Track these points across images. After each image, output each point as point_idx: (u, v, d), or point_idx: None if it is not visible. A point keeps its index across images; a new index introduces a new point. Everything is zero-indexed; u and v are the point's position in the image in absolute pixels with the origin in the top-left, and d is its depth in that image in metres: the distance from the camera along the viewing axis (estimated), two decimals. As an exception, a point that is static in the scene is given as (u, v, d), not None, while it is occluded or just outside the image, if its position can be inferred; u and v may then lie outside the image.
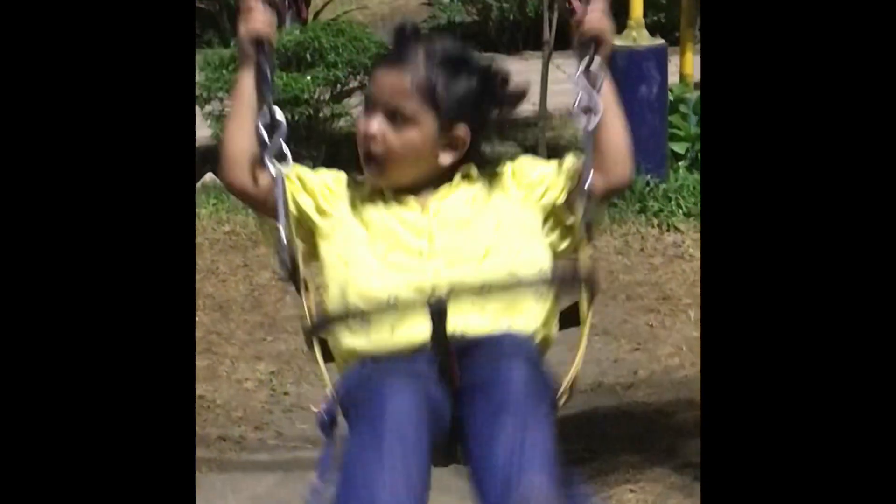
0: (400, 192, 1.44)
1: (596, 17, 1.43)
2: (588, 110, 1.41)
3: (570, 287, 1.45)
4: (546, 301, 1.42)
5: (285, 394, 2.88)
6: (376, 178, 1.42)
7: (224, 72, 4.87)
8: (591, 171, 1.40)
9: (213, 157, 5.09)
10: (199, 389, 2.77)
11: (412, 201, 1.42)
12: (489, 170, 1.49)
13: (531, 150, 4.83)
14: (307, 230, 1.45)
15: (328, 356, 1.42)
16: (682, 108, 4.52)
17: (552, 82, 4.47)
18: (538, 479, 1.18)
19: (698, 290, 3.27)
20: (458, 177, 1.45)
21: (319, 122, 4.71)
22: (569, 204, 1.44)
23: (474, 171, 1.46)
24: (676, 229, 3.86)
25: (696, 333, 3.10)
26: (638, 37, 4.17)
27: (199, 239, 4.02)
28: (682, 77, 4.88)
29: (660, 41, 4.32)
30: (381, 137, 1.38)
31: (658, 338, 3.18)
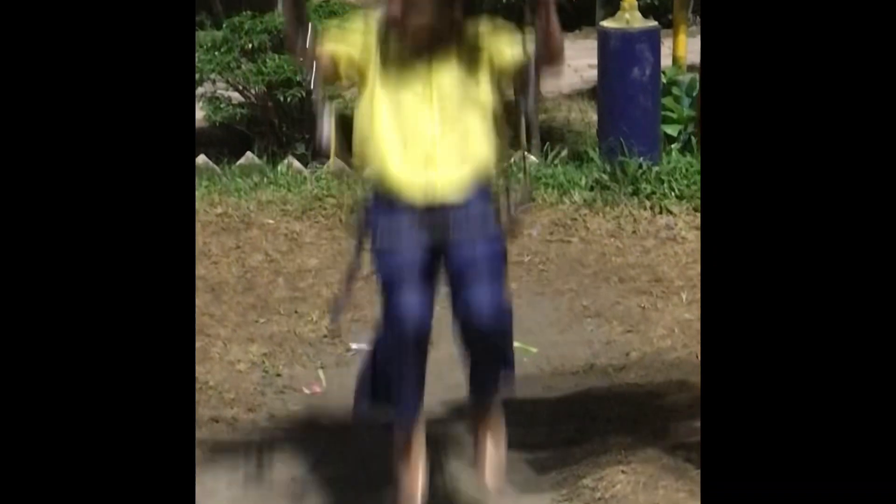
0: (412, 50, 1.90)
1: None
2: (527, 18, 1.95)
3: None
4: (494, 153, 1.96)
5: (277, 375, 2.87)
6: (394, 16, 1.85)
7: (216, 53, 4.79)
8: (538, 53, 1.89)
9: (206, 140, 5.07)
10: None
11: (419, 62, 1.90)
12: (473, 35, 1.92)
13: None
14: (355, 69, 1.93)
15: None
16: (675, 90, 4.51)
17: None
18: (489, 305, 1.87)
19: (691, 273, 3.31)
20: (452, 42, 1.91)
21: (311, 104, 4.72)
22: (515, 80, 1.95)
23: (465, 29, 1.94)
24: (669, 212, 3.84)
25: (689, 315, 3.11)
26: (631, 19, 4.14)
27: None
28: (675, 59, 4.87)
29: (653, 23, 4.29)
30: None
31: (650, 320, 3.17)
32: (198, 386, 2.66)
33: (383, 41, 1.91)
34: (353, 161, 2.02)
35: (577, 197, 3.87)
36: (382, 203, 1.95)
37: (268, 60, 4.45)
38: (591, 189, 3.99)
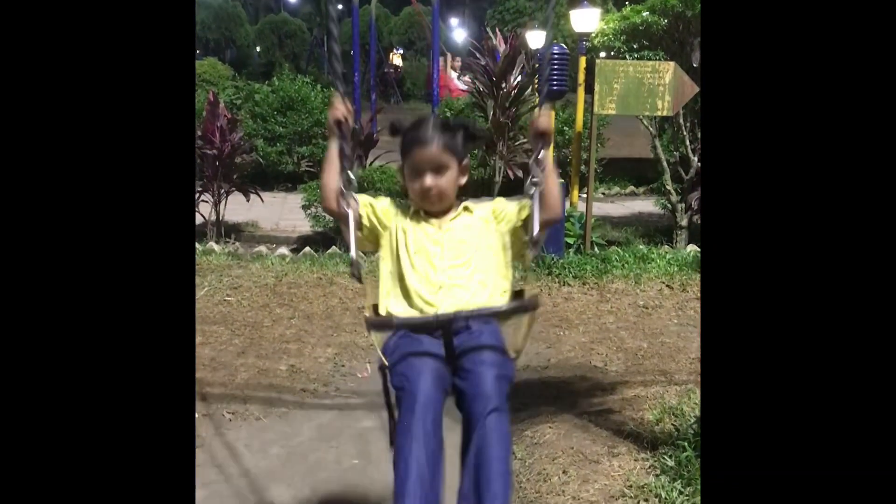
0: (428, 215, 1.93)
1: (544, 119, 1.88)
2: (535, 184, 1.87)
3: (525, 308, 1.88)
4: (504, 301, 1.89)
5: (342, 366, 3.72)
6: (434, 207, 1.92)
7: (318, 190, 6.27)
8: (537, 214, 1.86)
9: (311, 239, 6.08)
10: (292, 361, 3.71)
11: (434, 221, 1.93)
12: (480, 205, 1.97)
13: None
14: (375, 236, 1.95)
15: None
16: (571, 219, 5.70)
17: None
18: (492, 382, 1.69)
19: (583, 316, 4.35)
20: (460, 208, 1.96)
21: (346, 249, 5.85)
22: (525, 229, 1.91)
23: (470, 203, 1.97)
24: (568, 284, 4.98)
25: (583, 339, 4.01)
26: None
27: (298, 280, 4.97)
28: (571, 201, 6.11)
29: (560, 180, 5.63)
30: (436, 185, 1.88)
31: (561, 341, 4.06)
32: (294, 371, 3.61)
33: (405, 209, 1.95)
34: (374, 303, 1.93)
35: (516, 275, 5.05)
36: (400, 319, 1.83)
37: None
38: (524, 271, 5.22)
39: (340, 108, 1.88)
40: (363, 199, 1.94)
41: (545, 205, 1.89)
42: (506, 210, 1.97)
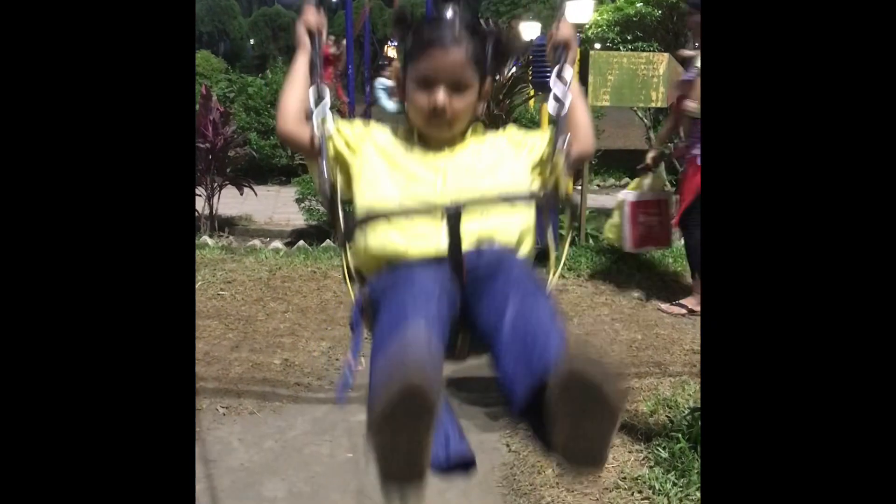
0: (423, 140, 1.52)
1: (565, 28, 1.55)
2: (559, 100, 1.51)
3: (551, 203, 1.50)
4: (529, 220, 1.49)
5: (336, 359, 3.67)
6: (442, 133, 1.50)
7: (311, 183, 6.25)
8: (564, 140, 1.47)
9: (305, 232, 6.21)
10: (286, 355, 3.68)
11: (432, 146, 1.50)
12: (491, 130, 1.57)
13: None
14: (342, 164, 1.51)
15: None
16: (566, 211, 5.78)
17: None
18: (555, 340, 1.16)
19: (579, 307, 4.38)
20: (469, 132, 1.54)
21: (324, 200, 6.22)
22: (549, 162, 1.50)
23: (481, 128, 1.58)
24: (562, 276, 4.69)
25: (578, 331, 4.01)
26: None
27: (292, 274, 4.97)
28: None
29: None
30: (449, 105, 1.45)
31: None
32: (288, 365, 3.58)
33: (386, 131, 1.57)
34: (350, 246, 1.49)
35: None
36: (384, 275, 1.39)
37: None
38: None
39: (313, 18, 1.56)
40: (336, 125, 1.55)
41: (574, 134, 1.51)
42: (527, 138, 1.60)
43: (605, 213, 7.35)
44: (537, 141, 1.58)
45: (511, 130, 1.62)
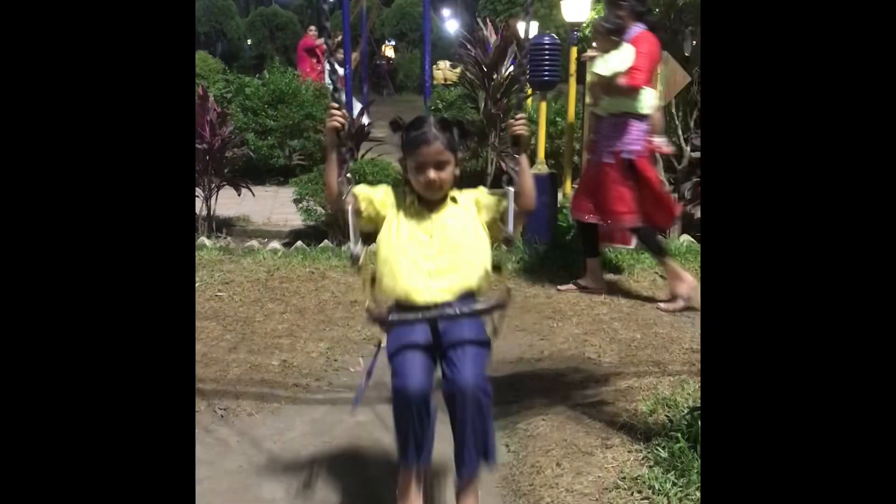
0: (421, 205, 2.21)
1: (520, 124, 2.18)
2: (511, 180, 2.20)
3: (497, 307, 2.17)
4: (484, 281, 2.19)
5: (335, 360, 3.67)
6: (436, 196, 2.20)
7: (310, 185, 6.32)
8: (514, 205, 2.16)
9: (303, 233, 6.25)
10: (284, 356, 3.66)
11: (426, 213, 2.21)
12: (464, 194, 2.24)
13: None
14: (373, 223, 2.24)
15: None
16: (564, 211, 5.60)
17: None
18: (471, 375, 2.00)
19: (578, 307, 4.36)
20: (448, 199, 2.23)
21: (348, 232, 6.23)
22: (503, 221, 2.19)
23: (456, 194, 2.24)
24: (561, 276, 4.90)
25: (577, 331, 4.00)
26: (541, 169, 5.42)
27: (290, 275, 4.94)
28: (564, 192, 6.03)
29: (552, 171, 5.65)
30: (438, 179, 2.15)
31: (555, 332, 4.04)
32: (286, 366, 3.57)
33: (402, 198, 2.24)
34: (373, 278, 2.23)
35: (509, 267, 5.02)
36: (394, 309, 2.17)
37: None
38: (518, 263, 5.17)
39: (338, 118, 2.18)
40: (363, 193, 2.24)
41: (519, 197, 2.19)
42: (486, 201, 2.25)
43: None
44: (493, 204, 2.25)
45: (479, 193, 2.28)
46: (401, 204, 2.25)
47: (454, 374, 2.05)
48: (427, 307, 2.13)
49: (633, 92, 4.27)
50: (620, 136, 4.35)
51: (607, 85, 4.33)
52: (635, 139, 4.33)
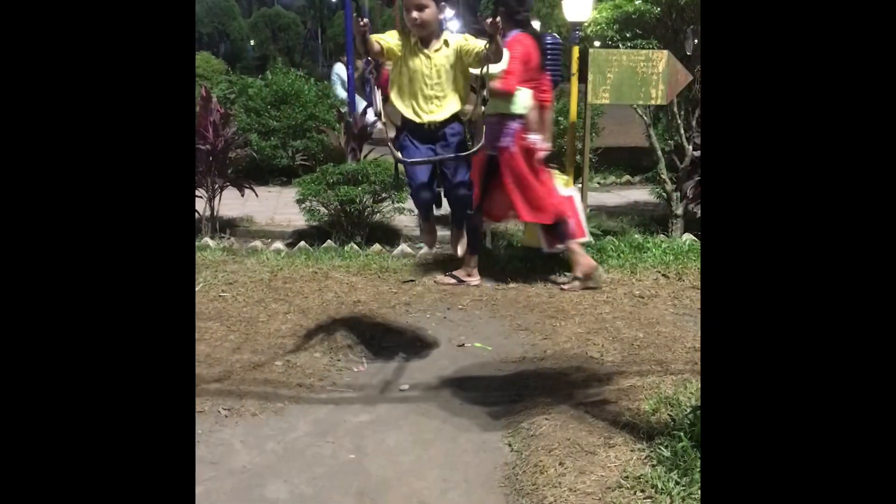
0: (422, 45, 3.22)
1: (494, 23, 2.98)
2: (491, 41, 3.08)
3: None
4: (461, 105, 3.33)
5: (338, 360, 3.71)
6: (418, 33, 3.19)
7: (312, 185, 6.29)
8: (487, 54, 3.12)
9: (305, 233, 6.43)
10: (288, 357, 3.66)
11: (426, 51, 3.23)
12: (453, 39, 3.27)
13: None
14: (390, 57, 3.24)
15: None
16: None
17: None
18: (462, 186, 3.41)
19: (580, 306, 4.37)
20: (441, 41, 3.26)
21: (364, 216, 6.18)
22: (479, 59, 3.19)
23: (448, 37, 3.26)
24: (564, 274, 4.99)
25: (580, 330, 4.01)
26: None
27: (294, 275, 4.95)
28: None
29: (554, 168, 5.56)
30: (419, 18, 3.14)
31: (557, 332, 4.06)
32: (290, 366, 3.57)
33: (406, 39, 3.22)
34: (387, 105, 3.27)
35: (511, 267, 5.12)
36: (403, 126, 3.27)
37: (340, 189, 5.98)
38: (521, 261, 5.23)
39: (358, 25, 3.02)
40: (383, 40, 3.19)
41: (492, 52, 3.11)
42: (468, 47, 3.21)
43: (607, 210, 7.35)
44: (472, 51, 3.20)
45: (463, 40, 3.26)
46: (406, 44, 3.21)
47: (448, 178, 3.39)
48: (428, 124, 3.23)
49: (506, 95, 4.61)
50: (497, 135, 4.69)
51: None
52: (508, 137, 4.71)
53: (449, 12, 3.34)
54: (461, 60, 3.23)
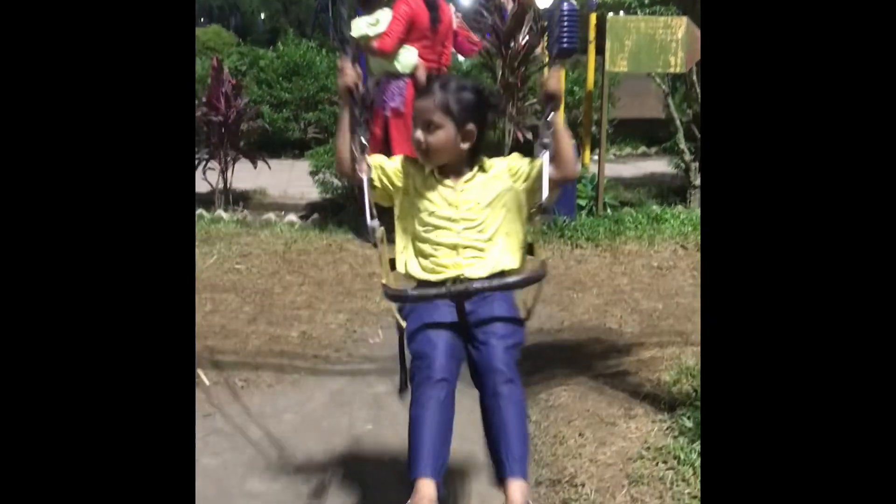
0: (442, 173, 1.94)
1: (553, 81, 1.93)
2: (545, 146, 1.90)
3: (533, 279, 1.89)
4: (518, 258, 1.96)
5: (354, 332, 3.71)
6: (425, 163, 1.94)
7: (326, 156, 6.33)
8: (546, 178, 1.87)
9: (318, 205, 6.32)
10: (304, 328, 3.67)
11: (449, 182, 1.94)
12: (495, 162, 1.98)
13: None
14: (388, 194, 1.99)
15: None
16: (583, 180, 5.59)
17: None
18: (501, 368, 1.75)
19: (596, 278, 4.34)
20: (476, 166, 1.96)
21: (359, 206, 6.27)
22: (538, 187, 1.89)
23: (486, 161, 1.98)
24: (580, 246, 4.98)
25: (597, 301, 3.99)
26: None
27: (308, 247, 4.96)
28: (582, 163, 5.94)
29: (572, 141, 5.65)
30: (424, 141, 1.90)
31: (574, 303, 4.08)
32: (306, 337, 3.60)
33: (421, 167, 1.97)
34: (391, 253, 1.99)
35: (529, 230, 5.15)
36: (415, 291, 1.92)
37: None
38: (534, 234, 5.27)
39: (350, 74, 1.94)
40: (375, 160, 1.99)
41: (558, 164, 1.90)
42: (521, 167, 1.98)
43: (623, 182, 7.27)
44: (527, 170, 1.96)
45: (512, 160, 2.00)
46: (420, 173, 1.97)
47: (486, 356, 1.80)
48: (452, 282, 1.87)
49: (385, 54, 4.74)
50: (383, 94, 4.86)
51: (365, 46, 4.76)
52: (398, 97, 4.82)
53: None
54: (515, 183, 1.99)
